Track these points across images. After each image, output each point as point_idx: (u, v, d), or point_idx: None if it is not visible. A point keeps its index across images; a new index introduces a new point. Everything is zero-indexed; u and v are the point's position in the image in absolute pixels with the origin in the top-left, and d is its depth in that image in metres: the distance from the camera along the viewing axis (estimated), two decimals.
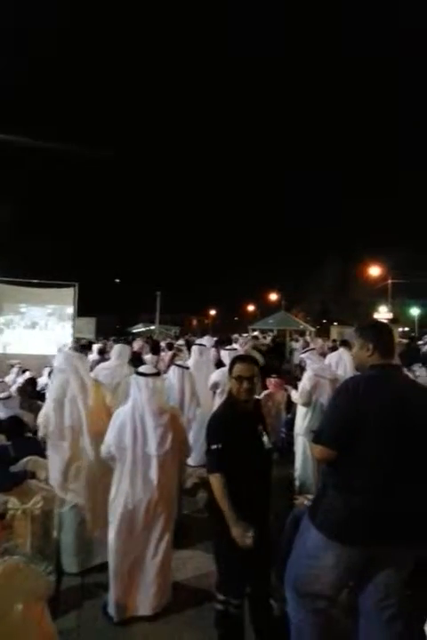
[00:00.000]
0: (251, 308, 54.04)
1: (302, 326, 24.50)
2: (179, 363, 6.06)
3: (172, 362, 7.23)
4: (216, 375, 6.47)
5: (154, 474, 3.42)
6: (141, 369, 3.53)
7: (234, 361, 3.10)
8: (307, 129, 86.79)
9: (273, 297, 43.33)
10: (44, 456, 4.29)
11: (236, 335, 18.21)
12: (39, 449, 4.34)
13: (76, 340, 15.08)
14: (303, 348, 9.19)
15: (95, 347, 11.89)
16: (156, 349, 10.54)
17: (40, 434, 4.26)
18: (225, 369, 6.46)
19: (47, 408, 4.12)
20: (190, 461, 5.94)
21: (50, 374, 9.70)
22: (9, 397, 6.28)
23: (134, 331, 40.65)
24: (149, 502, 3.44)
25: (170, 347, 11.57)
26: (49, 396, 4.19)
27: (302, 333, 22.34)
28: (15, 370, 9.93)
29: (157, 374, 3.46)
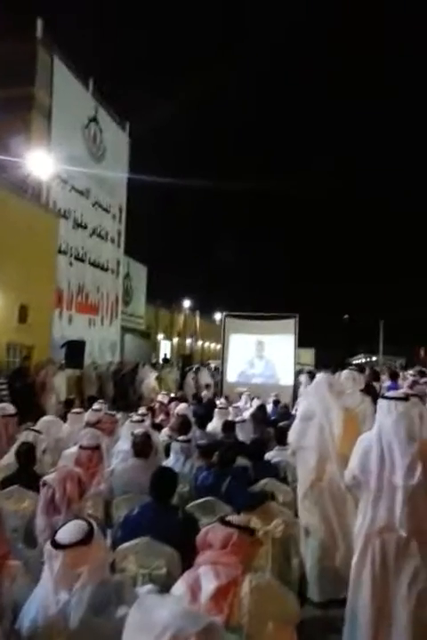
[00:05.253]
0: None
1: None
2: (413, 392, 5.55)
3: None
4: None
5: (398, 507, 3.10)
6: (388, 393, 3.32)
7: None
8: None
9: None
10: (281, 480, 4.36)
11: None
12: (276, 473, 4.44)
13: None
14: None
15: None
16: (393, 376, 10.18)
17: (289, 450, 4.50)
18: None
19: (294, 426, 4.36)
20: None
21: (274, 402, 10.19)
22: (244, 422, 6.64)
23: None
24: (395, 538, 3.14)
25: (395, 376, 11.02)
26: (297, 415, 4.48)
27: None
28: (244, 397, 10.53)
29: (406, 399, 3.19)
